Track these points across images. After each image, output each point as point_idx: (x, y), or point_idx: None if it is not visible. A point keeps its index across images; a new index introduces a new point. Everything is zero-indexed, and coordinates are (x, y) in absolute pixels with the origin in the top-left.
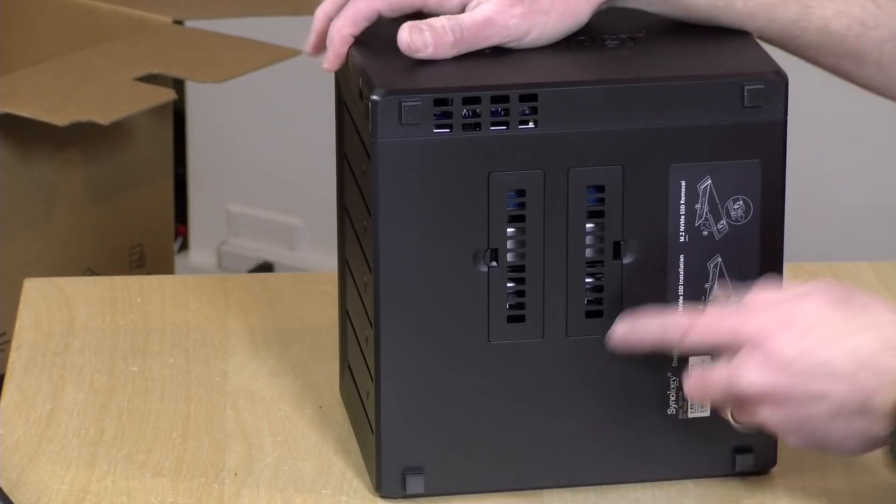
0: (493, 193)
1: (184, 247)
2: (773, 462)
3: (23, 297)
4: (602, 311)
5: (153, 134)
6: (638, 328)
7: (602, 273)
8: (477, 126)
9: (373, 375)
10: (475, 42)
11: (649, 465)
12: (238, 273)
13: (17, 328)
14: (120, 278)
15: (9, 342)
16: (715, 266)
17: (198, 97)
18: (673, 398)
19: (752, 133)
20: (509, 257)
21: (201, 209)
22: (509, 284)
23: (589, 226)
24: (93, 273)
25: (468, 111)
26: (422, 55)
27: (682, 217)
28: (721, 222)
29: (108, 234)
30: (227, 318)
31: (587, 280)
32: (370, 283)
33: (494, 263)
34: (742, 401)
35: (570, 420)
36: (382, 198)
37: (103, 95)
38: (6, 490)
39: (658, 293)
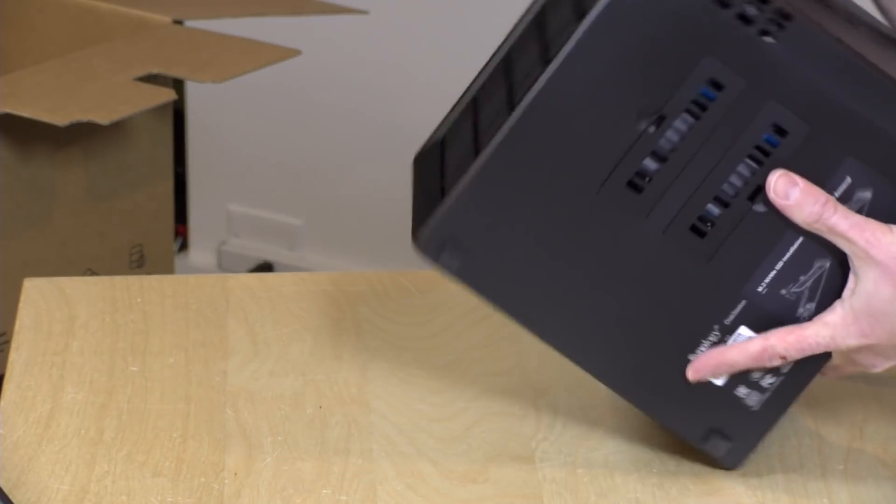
0: (695, 73)
1: (184, 247)
2: (738, 465)
3: (23, 297)
4: (705, 234)
5: (153, 134)
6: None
7: (729, 203)
8: (726, 6)
9: (477, 149)
10: None
11: (645, 395)
12: (238, 273)
13: (17, 328)
14: (120, 278)
15: (9, 342)
16: (820, 267)
17: (198, 97)
18: (703, 349)
19: None
20: (667, 135)
21: (201, 209)
22: (649, 158)
23: (748, 158)
24: (93, 273)
25: None
26: None
27: None
28: None
29: (108, 234)
30: (227, 318)
31: (712, 203)
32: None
33: (653, 129)
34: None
35: (612, 307)
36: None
37: (103, 95)
38: (6, 490)
39: (760, 253)
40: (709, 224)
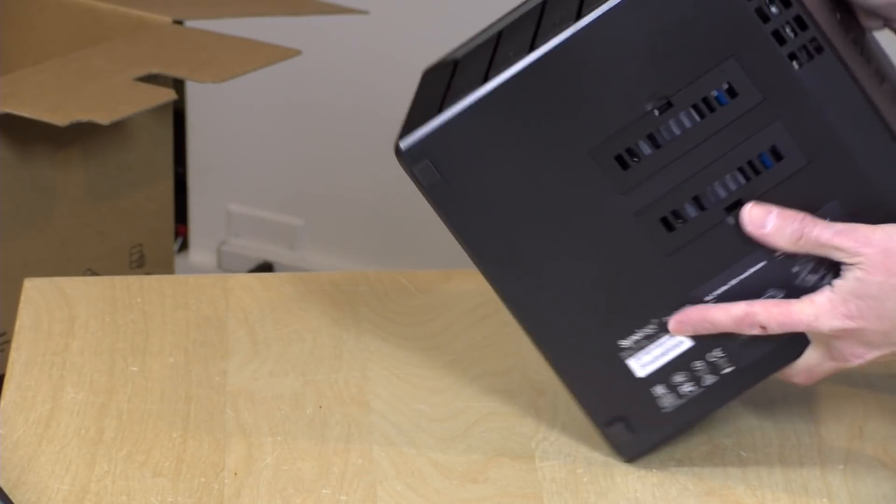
0: (716, 72)
1: (184, 247)
2: (635, 458)
3: (23, 297)
4: (674, 229)
5: (153, 134)
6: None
7: (705, 208)
8: (766, 20)
9: (486, 79)
10: None
11: (566, 362)
12: (238, 273)
13: (17, 328)
14: (120, 278)
15: (9, 342)
16: (771, 297)
17: (198, 97)
18: (636, 338)
19: None
20: (668, 123)
21: (201, 209)
22: (644, 140)
23: (737, 171)
24: (93, 273)
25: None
26: None
27: None
28: (814, 277)
29: (108, 234)
30: (227, 318)
31: (689, 203)
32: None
33: (657, 113)
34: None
35: (565, 268)
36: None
37: (103, 95)
38: (6, 490)
39: (719, 265)
40: (680, 221)
